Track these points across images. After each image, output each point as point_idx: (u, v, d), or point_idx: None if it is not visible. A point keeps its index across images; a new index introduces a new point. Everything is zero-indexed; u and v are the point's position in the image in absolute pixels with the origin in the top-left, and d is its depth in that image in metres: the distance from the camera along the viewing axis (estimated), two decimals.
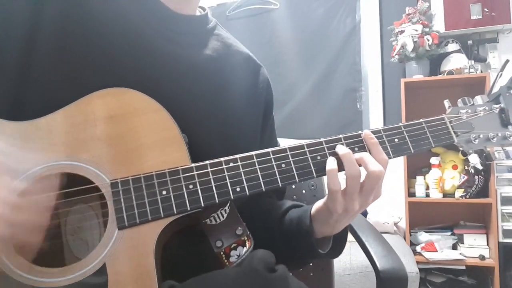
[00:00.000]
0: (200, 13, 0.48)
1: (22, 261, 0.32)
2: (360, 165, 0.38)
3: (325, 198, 0.39)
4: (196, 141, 0.38)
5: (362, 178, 0.37)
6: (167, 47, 0.42)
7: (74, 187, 0.34)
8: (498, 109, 0.45)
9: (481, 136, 0.44)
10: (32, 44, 0.37)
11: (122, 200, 0.34)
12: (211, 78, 0.44)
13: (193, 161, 0.36)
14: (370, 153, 0.39)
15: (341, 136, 0.40)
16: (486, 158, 0.44)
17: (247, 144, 0.45)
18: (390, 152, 0.41)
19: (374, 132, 0.41)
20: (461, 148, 0.44)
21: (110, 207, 0.34)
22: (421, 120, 0.43)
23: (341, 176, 0.38)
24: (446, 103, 0.46)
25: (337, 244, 0.44)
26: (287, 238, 0.43)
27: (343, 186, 0.37)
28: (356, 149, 0.39)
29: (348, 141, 0.40)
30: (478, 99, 0.46)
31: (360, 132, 0.41)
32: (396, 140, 0.41)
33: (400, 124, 0.42)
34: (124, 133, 0.36)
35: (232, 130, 0.44)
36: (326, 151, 0.39)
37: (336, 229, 0.41)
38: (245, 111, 0.47)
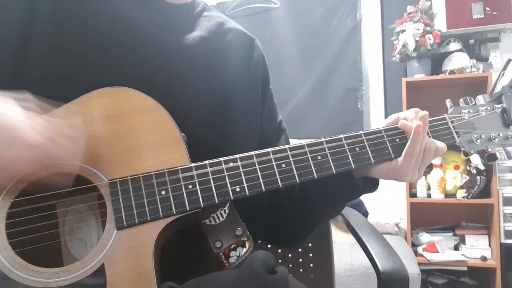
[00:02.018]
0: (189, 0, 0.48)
1: (19, 261, 0.32)
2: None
3: (386, 163, 0.40)
4: (195, 127, 0.38)
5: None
6: (162, 36, 0.42)
7: (73, 187, 0.34)
8: (500, 109, 0.44)
9: (483, 136, 0.44)
10: (27, 42, 0.37)
11: (120, 200, 0.34)
12: (207, 60, 0.44)
13: (192, 151, 0.36)
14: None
15: (341, 136, 0.40)
16: (488, 158, 0.43)
17: (248, 121, 0.46)
18: (391, 152, 0.40)
19: (374, 132, 0.41)
20: (462, 149, 0.43)
21: (108, 207, 0.34)
22: None
23: None
24: (448, 102, 0.45)
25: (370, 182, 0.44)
26: (321, 186, 0.43)
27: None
28: (357, 149, 0.39)
29: (349, 141, 0.40)
30: (480, 99, 0.45)
31: (360, 132, 0.40)
32: (397, 140, 0.41)
33: None
34: (123, 133, 0.35)
35: (231, 110, 0.44)
36: (327, 151, 0.39)
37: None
38: (243, 88, 0.47)
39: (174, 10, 0.44)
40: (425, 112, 0.41)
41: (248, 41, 0.51)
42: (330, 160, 0.39)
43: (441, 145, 0.41)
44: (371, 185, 0.44)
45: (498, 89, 0.47)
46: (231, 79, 0.45)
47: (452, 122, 0.43)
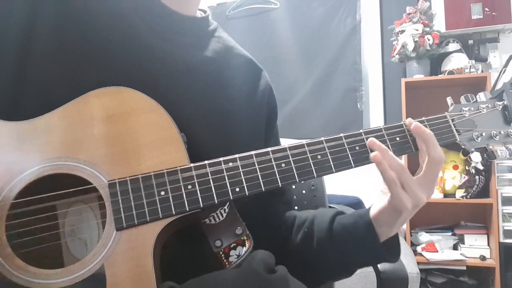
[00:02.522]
0: (201, 15, 0.48)
1: (19, 262, 0.31)
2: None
3: (386, 200, 0.39)
4: (194, 140, 0.38)
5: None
6: (163, 46, 0.42)
7: (73, 187, 0.34)
8: (501, 106, 0.44)
9: (484, 134, 0.43)
10: (28, 43, 0.37)
11: (120, 200, 0.34)
12: (210, 79, 0.44)
13: (191, 161, 0.36)
14: (424, 144, 0.40)
15: (341, 134, 0.40)
16: (488, 156, 0.43)
17: (247, 144, 0.45)
18: (392, 151, 0.40)
19: (375, 131, 0.40)
20: (463, 147, 0.43)
21: (108, 208, 0.34)
22: (423, 118, 0.42)
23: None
24: (449, 100, 0.45)
25: (392, 246, 0.43)
26: (341, 245, 0.42)
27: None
28: (357, 147, 0.39)
29: (349, 139, 0.39)
30: (481, 96, 0.45)
31: (360, 130, 0.40)
32: (397, 138, 0.41)
33: (402, 122, 0.42)
34: (122, 133, 0.35)
35: (231, 129, 0.44)
36: (327, 150, 0.39)
37: (397, 228, 0.41)
38: (245, 113, 0.46)
39: (178, 21, 0.44)
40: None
41: (256, 69, 0.50)
42: (330, 159, 0.38)
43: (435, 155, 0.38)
44: (394, 252, 0.42)
45: (499, 86, 0.47)
46: (234, 102, 0.45)
47: (452, 120, 0.43)
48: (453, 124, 0.43)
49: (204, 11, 0.49)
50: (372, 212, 0.42)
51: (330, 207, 0.69)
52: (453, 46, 1.56)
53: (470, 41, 1.56)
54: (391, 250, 0.42)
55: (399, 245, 0.43)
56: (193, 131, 0.39)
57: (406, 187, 0.38)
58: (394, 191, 0.38)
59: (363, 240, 0.41)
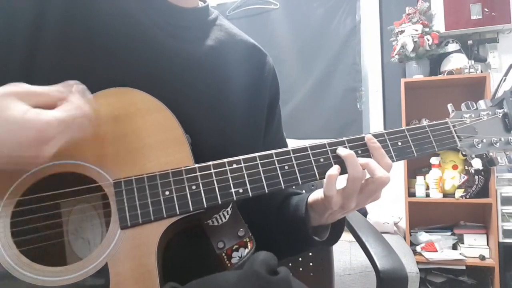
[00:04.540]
0: (201, 5, 0.48)
1: (23, 259, 0.32)
2: (364, 169, 0.38)
3: (322, 191, 0.40)
4: (198, 136, 0.38)
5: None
6: (168, 42, 0.42)
7: (77, 186, 0.34)
8: (501, 114, 0.45)
9: (484, 140, 0.44)
10: (36, 43, 0.37)
11: (125, 200, 0.34)
12: (214, 70, 0.44)
13: (195, 157, 0.36)
14: (372, 156, 0.39)
15: (344, 139, 0.40)
16: (489, 162, 0.44)
17: (250, 137, 0.46)
18: (393, 155, 0.41)
19: (377, 136, 0.41)
20: (463, 153, 0.44)
21: (112, 207, 0.34)
22: (425, 124, 0.43)
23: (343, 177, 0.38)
24: (450, 107, 0.46)
25: (334, 232, 0.44)
26: (284, 224, 0.44)
27: (343, 185, 0.38)
28: (359, 152, 0.40)
29: (352, 144, 0.40)
30: (482, 104, 0.46)
31: (363, 135, 0.41)
32: (399, 143, 0.41)
33: (404, 128, 0.42)
34: (128, 133, 0.36)
35: (234, 123, 0.44)
36: (330, 154, 0.39)
37: (331, 220, 0.42)
38: (249, 103, 0.46)
39: (182, 14, 0.44)
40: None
41: (260, 55, 0.50)
42: (333, 163, 0.39)
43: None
44: (333, 236, 0.43)
45: (499, 94, 0.47)
46: (239, 93, 0.45)
47: (454, 126, 0.44)
48: (454, 130, 0.44)
49: (204, 1, 0.49)
50: (310, 198, 0.43)
51: None
52: (452, 46, 1.57)
53: (470, 42, 1.56)
54: (332, 236, 0.43)
55: (340, 233, 0.44)
56: (197, 129, 0.39)
57: (345, 193, 0.38)
58: (328, 199, 0.38)
59: (297, 222, 0.42)
